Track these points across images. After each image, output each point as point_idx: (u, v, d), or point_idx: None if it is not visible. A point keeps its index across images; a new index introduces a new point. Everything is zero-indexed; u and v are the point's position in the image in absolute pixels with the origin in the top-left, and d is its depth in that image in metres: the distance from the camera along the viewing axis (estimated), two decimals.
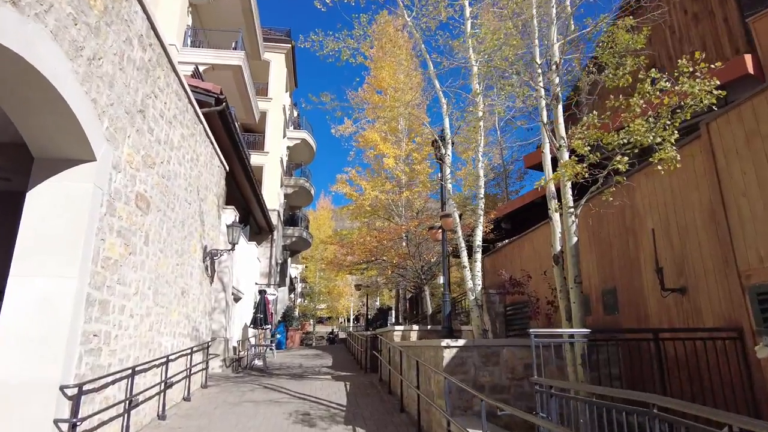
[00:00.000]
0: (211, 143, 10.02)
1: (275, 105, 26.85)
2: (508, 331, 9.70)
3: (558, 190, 5.58)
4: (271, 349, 18.42)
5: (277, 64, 27.73)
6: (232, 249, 9.94)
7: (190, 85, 9.55)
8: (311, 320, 42.22)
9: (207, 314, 10.06)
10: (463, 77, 9.49)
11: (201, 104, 10.30)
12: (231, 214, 13.44)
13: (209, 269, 10.01)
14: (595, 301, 6.44)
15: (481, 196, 8.47)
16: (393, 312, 28.86)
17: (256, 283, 20.57)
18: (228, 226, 9.91)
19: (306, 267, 44.43)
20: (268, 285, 22.44)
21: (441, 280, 9.02)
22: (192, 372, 8.40)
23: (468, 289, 8.02)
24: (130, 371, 5.66)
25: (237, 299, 18.01)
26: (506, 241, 10.89)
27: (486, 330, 7.87)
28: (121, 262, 5.53)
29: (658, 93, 4.28)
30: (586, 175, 4.56)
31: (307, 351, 22.84)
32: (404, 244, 13.07)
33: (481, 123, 8.62)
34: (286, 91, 29.64)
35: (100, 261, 4.99)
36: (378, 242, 11.89)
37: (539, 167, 10.65)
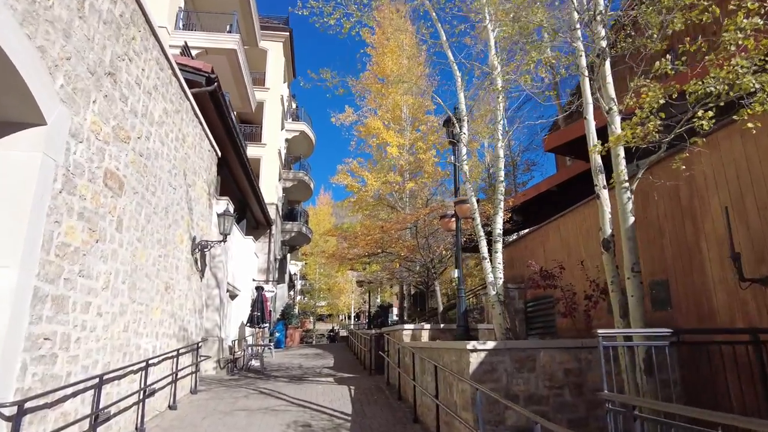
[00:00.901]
0: (200, 124, 9.11)
1: (273, 95, 25.89)
2: (529, 330, 8.81)
3: (606, 164, 4.69)
4: (269, 348, 17.54)
5: (275, 53, 26.74)
6: (224, 240, 9.03)
7: (178, 64, 8.65)
8: (311, 318, 41.39)
9: (197, 312, 9.17)
10: (476, 48, 8.55)
11: (190, 84, 9.39)
12: (224, 204, 12.55)
13: (199, 263, 9.11)
14: None
15: (502, 179, 7.56)
16: (395, 309, 27.96)
17: (254, 280, 19.69)
18: (219, 215, 8.99)
19: (306, 263, 43.63)
20: (266, 281, 21.54)
21: (455, 273, 8.12)
22: (178, 377, 7.50)
23: (488, 284, 7.13)
24: (96, 380, 4.76)
25: (233, 296, 17.12)
26: (525, 231, 9.99)
27: (509, 329, 6.99)
28: (84, 250, 4.62)
29: (749, 31, 3.37)
30: (657, 136, 3.65)
31: (307, 350, 21.97)
32: (409, 236, 12.10)
33: (500, 97, 7.72)
34: (284, 82, 28.68)
35: (53, 248, 4.08)
36: (384, 232, 10.95)
37: (564, 149, 9.72)
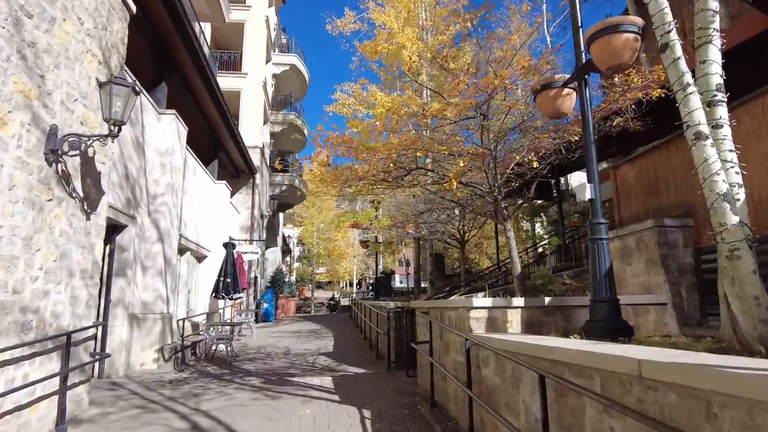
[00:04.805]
0: None
1: (256, 16, 21.08)
2: (706, 307, 4.64)
3: None
4: (248, 325, 13.54)
5: None
6: (114, 134, 4.63)
7: None
8: (310, 285, 37.60)
9: (79, 275, 4.93)
10: None
11: None
12: (170, 118, 8.25)
13: (78, 183, 4.82)
14: None
15: None
16: (398, 276, 23.98)
17: (231, 238, 15.46)
18: (102, 84, 4.59)
19: (303, 227, 39.57)
20: (249, 241, 17.40)
21: (587, 193, 3.80)
22: None
23: (711, 203, 2.88)
24: None
25: (199, 258, 12.98)
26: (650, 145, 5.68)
27: None
28: None
29: None
30: None
31: (302, 324, 18.03)
32: (476, 134, 6.65)
33: None
34: (271, 6, 23.76)
35: None
36: (424, 117, 6.32)
37: None
